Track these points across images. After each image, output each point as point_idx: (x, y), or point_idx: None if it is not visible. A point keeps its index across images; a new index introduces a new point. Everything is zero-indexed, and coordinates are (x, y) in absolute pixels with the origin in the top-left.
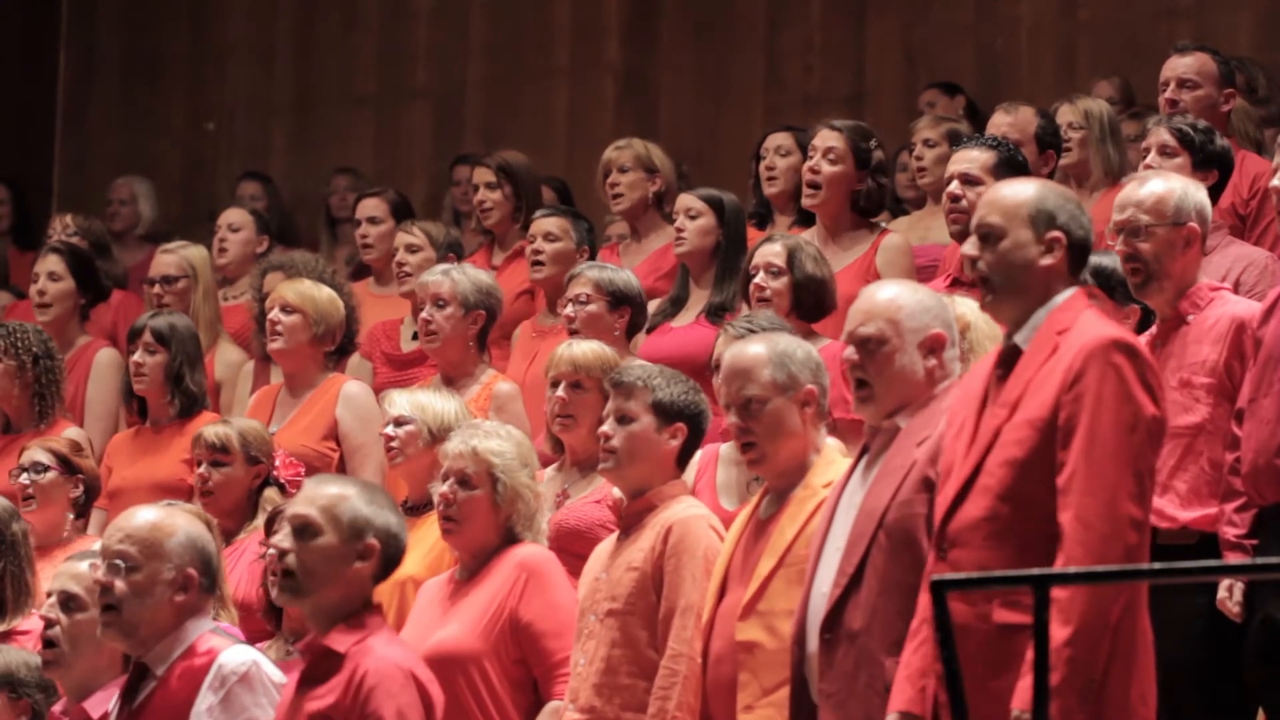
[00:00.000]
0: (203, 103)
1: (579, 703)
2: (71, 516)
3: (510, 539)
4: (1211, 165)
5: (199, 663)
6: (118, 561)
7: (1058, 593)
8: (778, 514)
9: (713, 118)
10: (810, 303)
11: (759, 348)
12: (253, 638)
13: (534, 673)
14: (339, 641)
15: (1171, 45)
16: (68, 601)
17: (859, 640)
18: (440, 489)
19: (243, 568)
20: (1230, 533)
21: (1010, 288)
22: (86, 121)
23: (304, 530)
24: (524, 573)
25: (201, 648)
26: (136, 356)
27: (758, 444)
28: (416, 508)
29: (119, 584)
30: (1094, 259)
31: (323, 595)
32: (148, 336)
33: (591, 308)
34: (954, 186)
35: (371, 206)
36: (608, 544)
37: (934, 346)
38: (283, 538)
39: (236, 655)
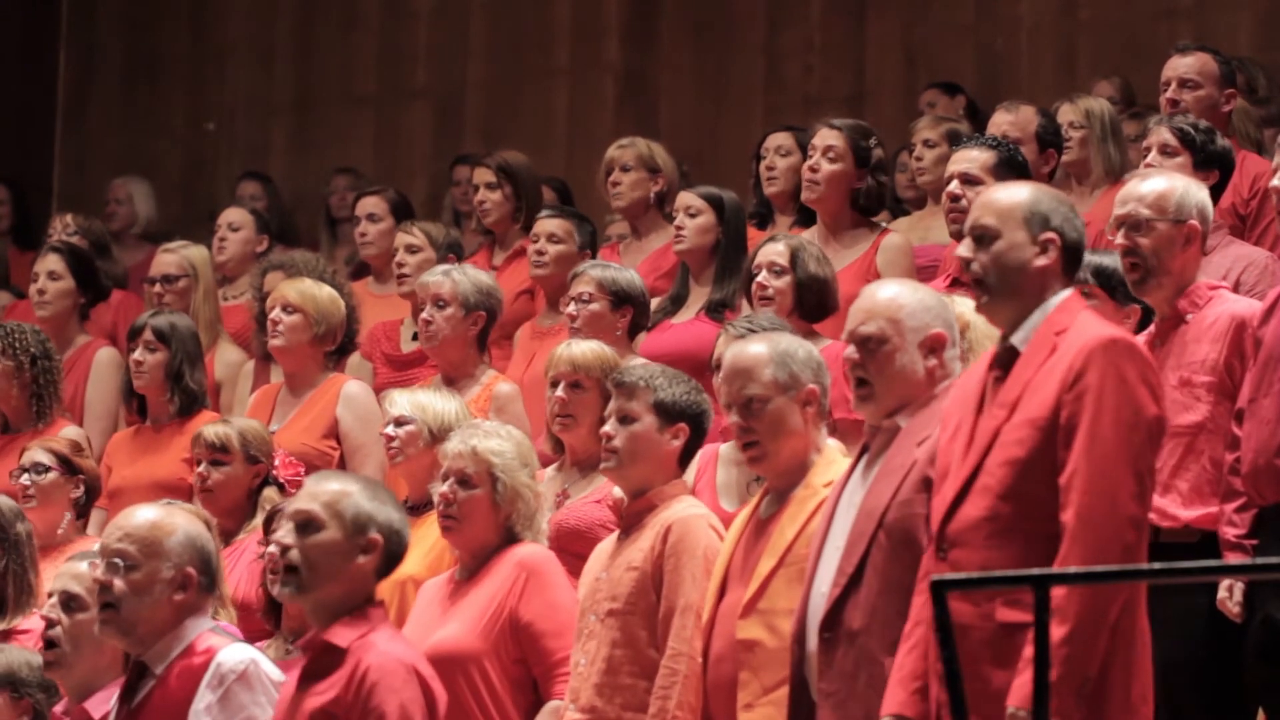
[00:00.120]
0: (203, 103)
1: (580, 703)
2: (72, 517)
3: (510, 538)
4: (1212, 165)
5: (197, 661)
6: (117, 560)
7: (1055, 591)
8: (778, 513)
9: (713, 118)
10: (812, 303)
11: (761, 347)
12: (252, 637)
13: (534, 672)
14: (341, 637)
15: (1171, 45)
16: (69, 601)
17: (858, 640)
18: (440, 489)
19: (242, 567)
20: (1230, 533)
21: (1006, 289)
22: (86, 121)
23: (306, 525)
24: (524, 572)
25: (200, 646)
26: (137, 354)
27: (759, 443)
28: (417, 507)
29: (118, 583)
30: (1095, 259)
31: (325, 590)
32: (148, 334)
33: (594, 307)
34: (954, 186)
35: (371, 204)
36: (608, 544)
37: (934, 346)
38: (285, 533)
39: (235, 654)
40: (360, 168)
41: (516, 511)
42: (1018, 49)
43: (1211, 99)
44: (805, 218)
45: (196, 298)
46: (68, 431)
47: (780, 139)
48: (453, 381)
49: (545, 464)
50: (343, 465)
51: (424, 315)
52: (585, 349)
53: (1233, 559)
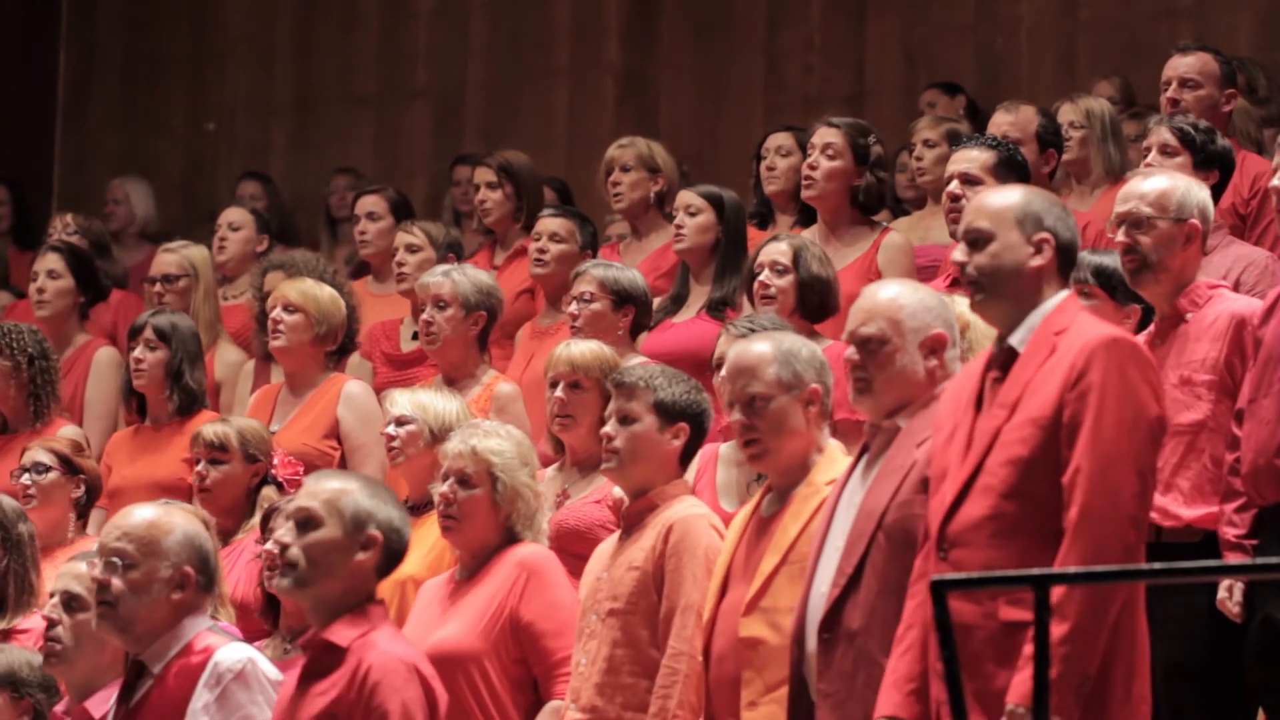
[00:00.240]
0: (203, 103)
1: (580, 702)
2: (73, 516)
3: (510, 538)
4: (1212, 165)
5: (195, 661)
6: (115, 559)
7: (1055, 590)
8: (780, 512)
9: (713, 118)
10: (814, 302)
11: (764, 346)
12: (250, 637)
13: (534, 672)
14: (341, 636)
15: (1172, 45)
16: (70, 602)
17: (857, 640)
18: (440, 488)
19: (240, 567)
20: (1230, 533)
21: (1002, 290)
22: (86, 121)
23: (306, 523)
24: (524, 572)
25: (198, 646)
26: (137, 352)
27: (760, 441)
28: (417, 507)
29: (116, 581)
30: (1095, 259)
31: (325, 587)
32: (149, 333)
33: (595, 306)
34: (954, 186)
35: (370, 203)
36: (609, 543)
37: (935, 346)
38: (285, 531)
39: (232, 653)
40: (360, 168)
41: (517, 511)
42: (1018, 49)
43: (1212, 99)
44: (806, 217)
45: (196, 298)
46: (66, 431)
47: (780, 139)
48: (453, 381)
49: (546, 464)
50: (343, 465)
51: (425, 316)
52: (584, 349)
53: (1232, 559)
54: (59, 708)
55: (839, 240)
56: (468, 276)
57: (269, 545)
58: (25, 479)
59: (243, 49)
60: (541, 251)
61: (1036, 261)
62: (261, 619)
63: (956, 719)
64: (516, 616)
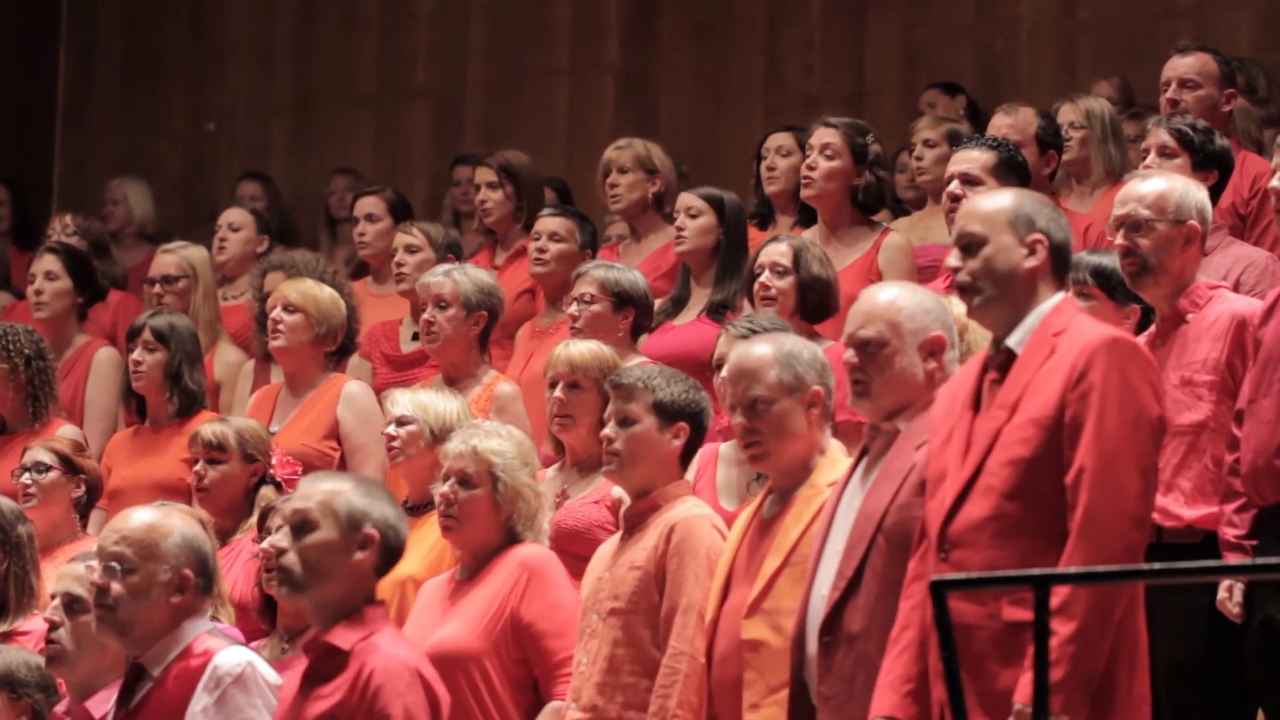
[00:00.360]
0: (203, 103)
1: (581, 702)
2: (74, 516)
3: (511, 538)
4: (1211, 165)
5: (195, 663)
6: (114, 564)
7: (1061, 590)
8: (782, 513)
9: (713, 118)
10: (815, 303)
11: (765, 348)
12: (248, 637)
13: (535, 672)
14: (343, 639)
15: (1172, 45)
16: (72, 604)
17: (858, 643)
18: (441, 489)
19: (238, 567)
20: (1230, 533)
21: (997, 292)
22: (86, 121)
23: (302, 526)
24: (525, 572)
25: (197, 649)
26: (135, 355)
27: (762, 443)
28: (417, 508)
29: (115, 586)
30: (1094, 259)
31: (325, 590)
32: (147, 335)
33: (595, 308)
34: (954, 186)
35: (369, 204)
36: (611, 543)
37: (934, 349)
38: (281, 536)
39: (232, 656)
40: (360, 168)
41: (517, 511)
42: (1018, 49)
43: (1211, 99)
44: (806, 218)
45: (196, 298)
46: (65, 432)
47: (781, 139)
48: (454, 382)
49: (547, 465)
50: (343, 466)
51: (425, 316)
52: (583, 349)
53: (1232, 559)
54: (60, 708)
55: (839, 241)
56: (469, 276)
57: (265, 544)
58: (26, 478)
59: (243, 49)
60: (541, 251)
61: (1030, 263)
62: (259, 619)
63: (957, 718)
64: (517, 617)
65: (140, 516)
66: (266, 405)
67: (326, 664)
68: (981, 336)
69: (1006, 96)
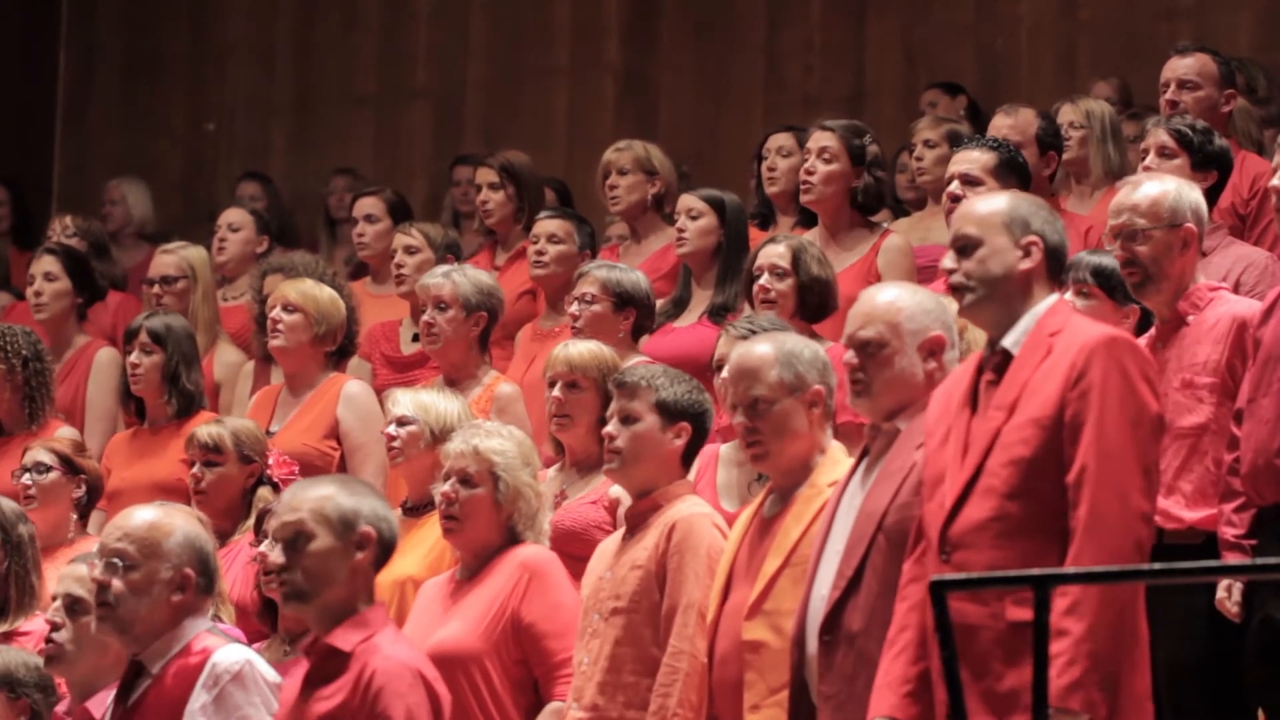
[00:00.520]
0: (203, 103)
1: (583, 701)
2: (74, 517)
3: (512, 538)
4: (1210, 166)
5: (194, 661)
6: (115, 560)
7: (1072, 589)
8: (783, 513)
9: (713, 118)
10: (814, 304)
11: (766, 348)
12: (248, 639)
13: (535, 673)
14: (344, 640)
15: (1171, 45)
16: (73, 605)
17: (858, 642)
18: (442, 488)
19: (237, 569)
20: (1229, 533)
21: (992, 294)
22: (86, 121)
23: (297, 538)
24: (526, 573)
25: (197, 647)
26: (133, 357)
27: (763, 443)
28: (416, 508)
29: (116, 583)
30: (1094, 259)
31: (329, 595)
32: (144, 336)
33: (596, 308)
34: (954, 187)
35: (369, 205)
36: (612, 542)
37: (934, 349)
38: (277, 553)
39: (230, 654)
40: (360, 168)
41: (518, 510)
42: (1018, 49)
43: (1211, 100)
44: (807, 218)
45: (195, 299)
46: (63, 433)
47: (782, 139)
48: (454, 383)
49: (548, 465)
50: (343, 465)
51: (425, 317)
52: (582, 349)
53: (1231, 559)
54: (60, 708)
55: (839, 243)
56: (468, 277)
57: (263, 547)
58: (26, 479)
59: (243, 49)
60: (540, 253)
61: (1025, 265)
62: (259, 621)
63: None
64: (518, 617)
65: (143, 514)
66: (266, 406)
67: (327, 666)
68: (981, 336)
69: (1006, 97)
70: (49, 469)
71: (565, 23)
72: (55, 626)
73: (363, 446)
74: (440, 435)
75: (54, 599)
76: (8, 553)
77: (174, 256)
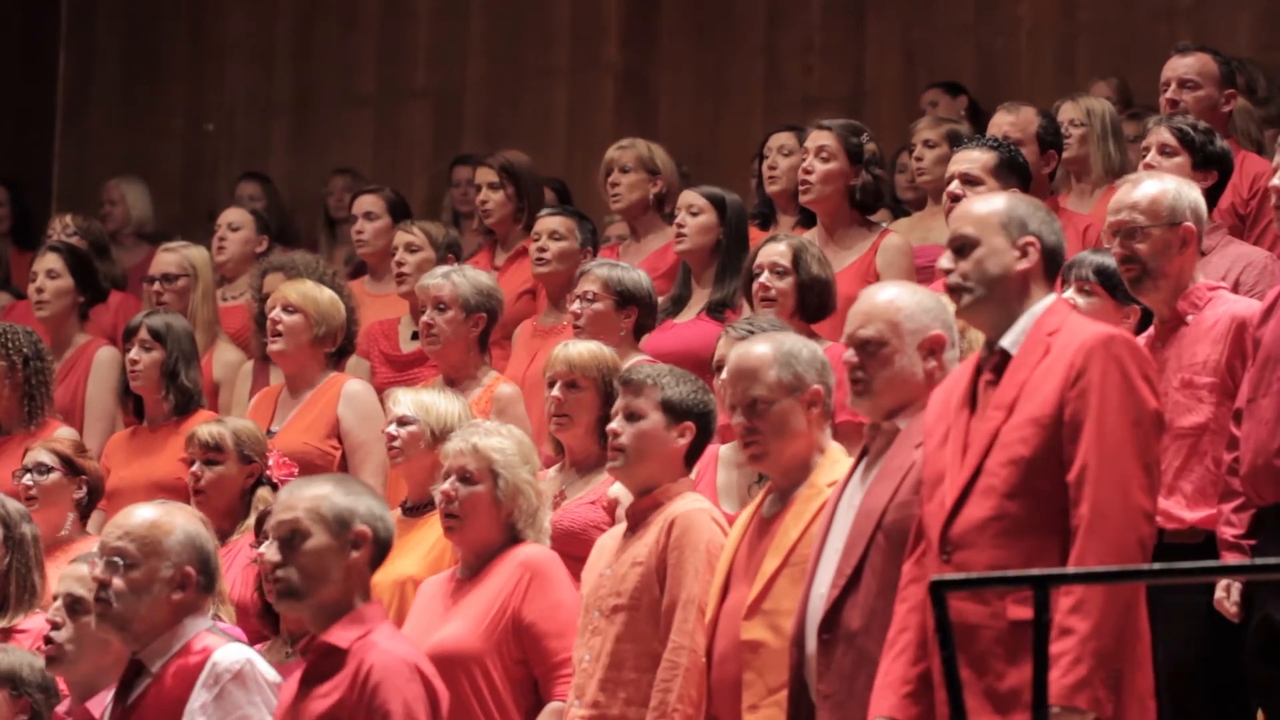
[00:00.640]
0: (203, 103)
1: (585, 699)
2: (75, 517)
3: (513, 537)
4: (1211, 166)
5: (194, 661)
6: (116, 559)
7: (1077, 587)
8: (782, 513)
9: (713, 118)
10: (814, 304)
11: (765, 348)
12: (250, 639)
13: (535, 673)
14: (340, 638)
15: (1171, 45)
16: (74, 604)
17: (857, 641)
18: (442, 486)
19: (237, 569)
20: (1228, 533)
21: (989, 294)
22: (86, 121)
23: (292, 537)
24: (527, 572)
25: (197, 646)
26: (132, 354)
27: (762, 443)
28: (416, 508)
29: (116, 581)
30: (1097, 258)
31: (324, 594)
32: (144, 334)
33: (598, 306)
34: (955, 186)
35: (368, 203)
36: (612, 539)
37: (933, 348)
38: (271, 551)
39: (231, 653)
40: (360, 168)
41: (518, 508)
42: (1018, 49)
43: (1211, 99)
44: (807, 217)
45: (195, 298)
46: (62, 433)
47: (783, 138)
48: (454, 383)
49: (548, 465)
50: (344, 464)
51: (425, 318)
52: (581, 349)
53: (1230, 559)
54: (61, 708)
55: (838, 243)
56: (468, 278)
57: (261, 548)
58: (27, 479)
59: (242, 49)
60: (542, 250)
61: (1022, 265)
62: (259, 622)
63: (955, 718)
64: (519, 617)
65: (143, 513)
66: (267, 406)
67: (324, 664)
68: (982, 336)
69: (1006, 97)
70: (50, 470)
71: (565, 23)
72: (55, 625)
73: (363, 445)
74: (441, 435)
75: (55, 598)
76: (9, 549)
77: (176, 255)
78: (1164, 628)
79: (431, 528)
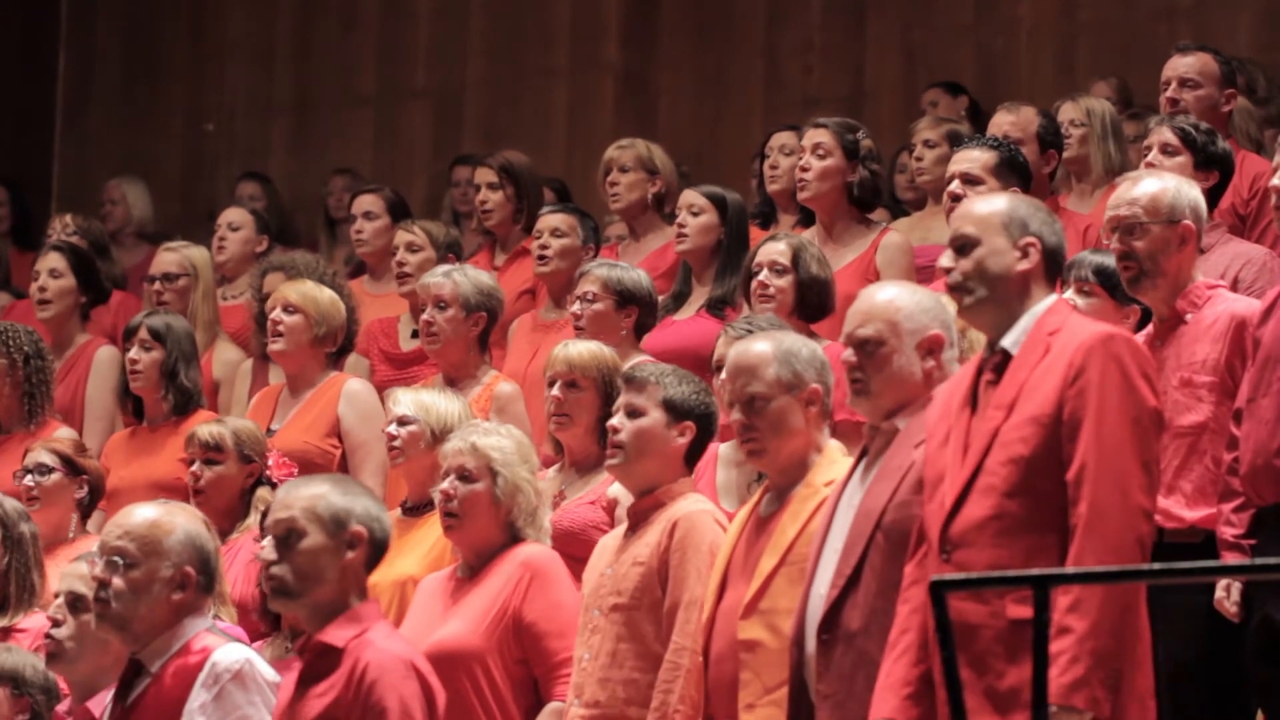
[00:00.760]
0: (203, 103)
1: (584, 697)
2: (77, 516)
3: (514, 537)
4: (1212, 166)
5: (193, 661)
6: (116, 558)
7: (1074, 586)
8: (779, 512)
9: (713, 118)
10: (813, 303)
11: (764, 345)
12: (252, 637)
13: (535, 673)
14: (336, 637)
15: (1171, 45)
16: (75, 602)
17: (857, 641)
18: (441, 486)
19: (238, 567)
20: (1228, 533)
21: (990, 294)
22: (86, 121)
23: (288, 535)
24: (528, 572)
25: (196, 646)
26: (132, 353)
27: (759, 440)
28: (416, 508)
29: (116, 580)
30: (1096, 258)
31: (319, 594)
32: (143, 333)
33: (598, 306)
34: (955, 186)
35: (367, 202)
36: (613, 539)
37: (932, 347)
38: (268, 550)
39: (230, 653)
40: (360, 168)
41: (518, 506)
42: (1018, 49)
43: (1211, 99)
44: (808, 217)
45: (195, 297)
46: (61, 433)
47: (784, 137)
48: (454, 382)
49: (547, 465)
50: (344, 464)
51: (425, 317)
52: (582, 349)
53: (1230, 559)
54: (61, 707)
55: (837, 241)
56: (468, 277)
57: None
58: (29, 480)
59: (242, 49)
60: (544, 248)
61: (1023, 266)
62: (260, 619)
63: (955, 718)
64: (519, 616)
65: (144, 513)
66: (267, 406)
67: (321, 663)
68: (982, 337)
69: (1006, 97)
70: (51, 470)
71: (565, 23)
72: (56, 623)
73: (364, 445)
74: (441, 435)
75: (55, 596)
76: (8, 549)
77: (177, 254)
78: (1164, 627)
79: (431, 527)
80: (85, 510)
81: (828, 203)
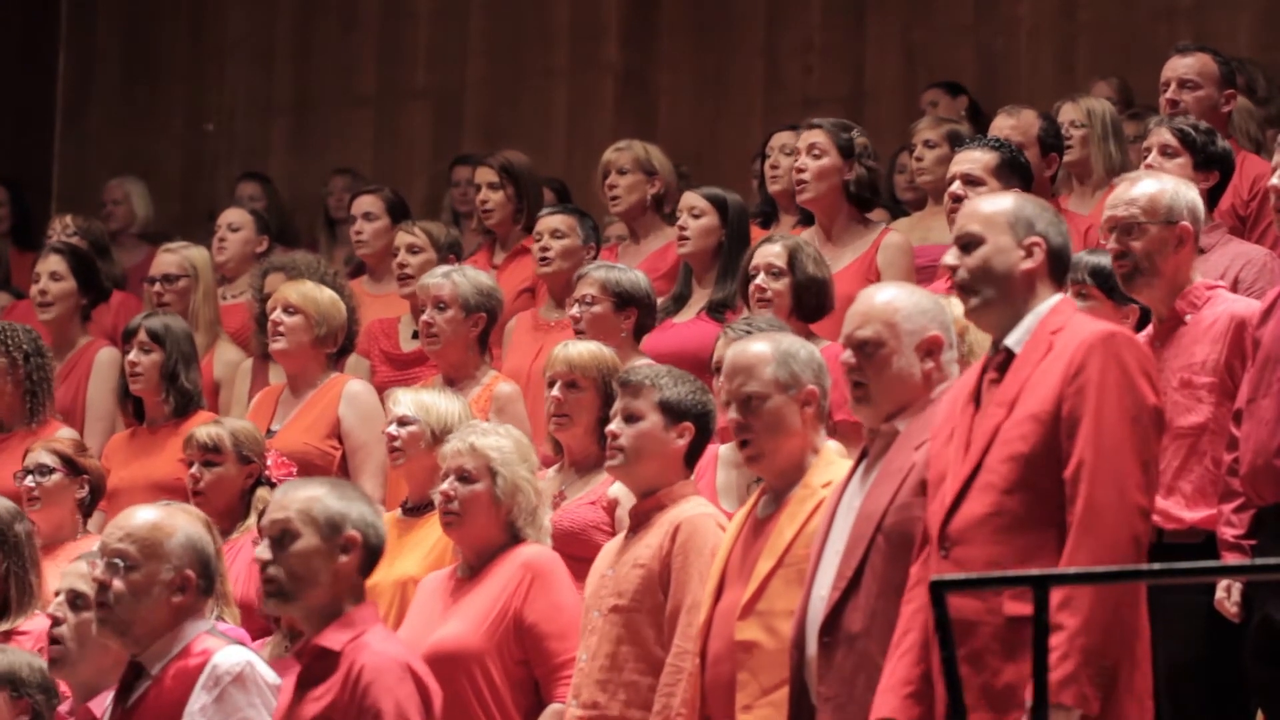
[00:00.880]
0: (202, 103)
1: (582, 699)
2: (77, 516)
3: (514, 537)
4: (1212, 166)
5: (194, 663)
6: (116, 560)
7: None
8: (776, 513)
9: (713, 118)
10: (811, 304)
11: (762, 345)
12: (256, 635)
13: (536, 674)
14: (333, 640)
15: (1171, 45)
16: (76, 600)
17: (858, 643)
18: (440, 486)
19: (240, 567)
20: (1228, 533)
21: (995, 293)
22: (86, 121)
23: (282, 537)
24: (529, 573)
25: (197, 648)
26: (132, 355)
27: (755, 441)
28: (416, 508)
29: (116, 583)
30: (1093, 259)
31: (311, 597)
32: (143, 335)
33: (597, 309)
34: (956, 187)
35: (367, 203)
36: (616, 541)
37: (931, 349)
38: (263, 549)
39: (231, 656)
40: (360, 168)
41: (518, 506)
42: (1018, 49)
43: (1211, 99)
44: (809, 216)
45: (196, 298)
46: (62, 434)
47: (785, 137)
48: (454, 382)
49: (547, 465)
50: (344, 465)
51: (425, 317)
52: (581, 349)
53: (1230, 559)
54: (63, 708)
55: (837, 242)
56: (468, 278)
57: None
58: (29, 480)
59: (242, 49)
60: (545, 249)
61: (1028, 265)
62: (263, 616)
63: (956, 718)
64: (520, 617)
65: (145, 515)
66: (268, 405)
67: (318, 667)
68: (983, 337)
69: (1006, 97)
70: (51, 471)
71: (565, 23)
72: (57, 621)
73: (364, 446)
74: (441, 436)
75: (56, 594)
76: (5, 552)
77: (177, 255)
78: (1164, 628)
79: (432, 528)
80: (86, 509)
81: (826, 203)
